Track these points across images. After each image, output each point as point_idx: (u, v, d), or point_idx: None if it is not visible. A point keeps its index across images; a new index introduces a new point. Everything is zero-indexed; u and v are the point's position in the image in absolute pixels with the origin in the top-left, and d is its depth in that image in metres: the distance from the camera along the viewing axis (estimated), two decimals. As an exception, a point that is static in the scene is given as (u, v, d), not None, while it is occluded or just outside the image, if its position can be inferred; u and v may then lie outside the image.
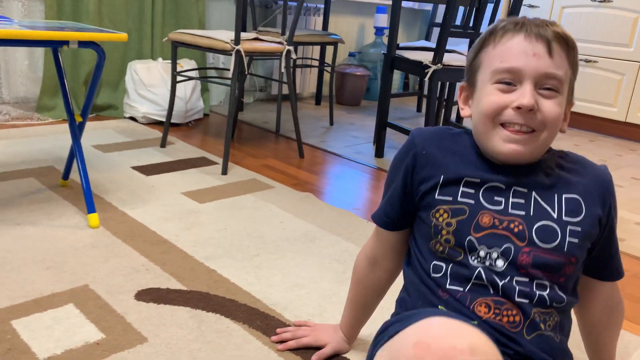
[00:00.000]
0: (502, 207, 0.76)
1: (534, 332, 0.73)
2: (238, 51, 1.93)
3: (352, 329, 1.03)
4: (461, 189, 0.78)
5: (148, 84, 2.54)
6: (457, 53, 2.67)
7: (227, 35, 2.00)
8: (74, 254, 1.32)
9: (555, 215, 0.76)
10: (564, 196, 0.78)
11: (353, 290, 1.00)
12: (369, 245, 0.95)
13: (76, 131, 1.52)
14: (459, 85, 0.85)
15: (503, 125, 0.76)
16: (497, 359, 0.57)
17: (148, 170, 1.94)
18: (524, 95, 0.73)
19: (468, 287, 0.75)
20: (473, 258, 0.76)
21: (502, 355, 0.63)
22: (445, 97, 2.85)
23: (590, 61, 3.23)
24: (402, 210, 0.85)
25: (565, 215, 0.76)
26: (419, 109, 3.54)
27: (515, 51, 0.74)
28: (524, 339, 0.72)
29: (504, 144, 0.76)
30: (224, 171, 1.97)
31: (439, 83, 3.16)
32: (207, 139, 2.44)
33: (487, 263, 0.75)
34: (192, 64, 2.67)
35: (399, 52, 2.40)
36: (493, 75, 0.76)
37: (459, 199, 0.77)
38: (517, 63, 0.74)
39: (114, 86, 2.66)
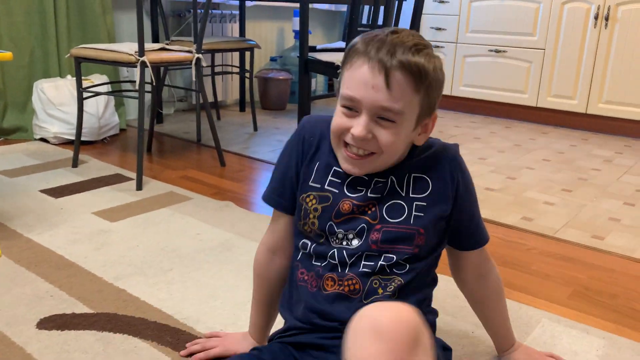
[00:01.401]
0: (362, 193, 0.85)
1: (371, 297, 0.83)
2: (143, 62, 1.89)
3: (262, 331, 1.03)
4: (329, 178, 0.87)
5: (57, 103, 2.44)
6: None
7: (132, 47, 1.95)
8: (-29, 287, 1.24)
9: (403, 194, 0.85)
10: (412, 175, 0.86)
11: (256, 290, 1.01)
12: (266, 237, 0.99)
13: (-32, 158, 1.44)
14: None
15: (346, 144, 0.83)
16: None
17: (57, 192, 1.86)
18: (357, 125, 0.79)
19: (324, 263, 0.86)
20: (333, 239, 0.86)
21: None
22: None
23: (500, 51, 3.37)
24: (294, 193, 0.91)
25: (412, 193, 0.85)
26: (343, 109, 3.58)
27: (358, 81, 0.78)
28: (361, 304, 0.81)
29: (343, 163, 0.85)
30: (139, 186, 1.91)
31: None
32: (123, 155, 2.37)
33: (344, 243, 0.85)
34: (103, 78, 2.59)
35: (313, 54, 2.42)
36: (341, 98, 0.81)
37: (326, 187, 0.87)
38: (356, 93, 0.78)
39: (21, 107, 2.54)
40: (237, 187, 2.03)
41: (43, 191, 1.86)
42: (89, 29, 2.65)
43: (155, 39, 2.87)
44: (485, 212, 1.85)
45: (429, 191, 0.86)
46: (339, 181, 0.86)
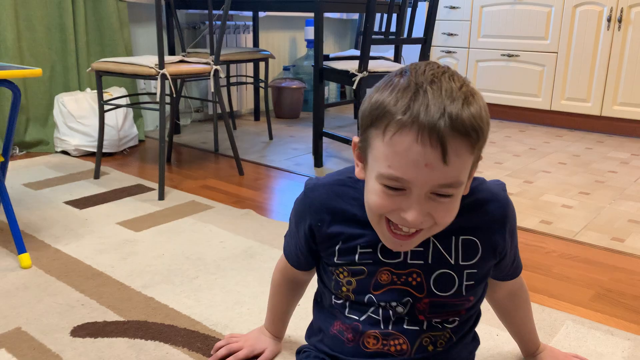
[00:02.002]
0: (401, 258, 0.77)
1: (422, 354, 0.78)
2: (163, 75, 1.93)
3: (279, 330, 1.07)
4: (358, 251, 0.78)
5: (77, 116, 2.49)
6: (385, 59, 2.75)
7: (151, 60, 1.99)
8: (5, 296, 1.28)
9: (452, 261, 0.77)
10: (460, 239, 0.77)
11: (273, 300, 1.03)
12: (282, 266, 0.97)
13: (-2, 171, 1.48)
14: (353, 139, 0.75)
15: (388, 219, 0.71)
16: None
17: (81, 203, 1.90)
18: (411, 211, 0.66)
19: (362, 318, 0.79)
20: (373, 309, 0.79)
21: None
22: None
23: (512, 55, 3.38)
24: (313, 260, 0.88)
25: (462, 260, 0.77)
26: (356, 116, 3.61)
27: (405, 161, 0.63)
28: None
29: (388, 242, 0.73)
30: (161, 196, 1.95)
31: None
32: (143, 166, 2.41)
33: (388, 309, 0.79)
34: (122, 91, 2.64)
35: (327, 62, 2.45)
36: (379, 176, 0.67)
37: (357, 261, 0.78)
38: (405, 175, 0.64)
39: (42, 121, 2.59)
40: (256, 195, 2.06)
41: (67, 202, 1.91)
42: (107, 43, 2.71)
43: (172, 51, 2.92)
44: (503, 216, 1.86)
45: (479, 256, 0.77)
46: (370, 250, 0.77)
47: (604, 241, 1.67)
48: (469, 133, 0.63)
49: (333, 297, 0.83)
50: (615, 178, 2.34)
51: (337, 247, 0.79)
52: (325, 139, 2.74)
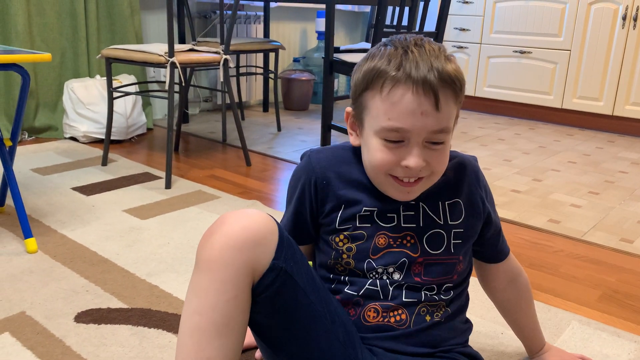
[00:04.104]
0: (394, 223, 0.81)
1: (420, 325, 0.81)
2: (173, 63, 1.92)
3: None
4: (358, 215, 0.81)
5: (87, 103, 2.49)
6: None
7: (161, 48, 1.99)
8: (11, 280, 1.28)
9: (441, 222, 0.83)
10: (446, 203, 0.84)
11: None
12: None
13: (6, 156, 1.48)
14: (346, 109, 0.83)
15: (392, 175, 0.77)
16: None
17: (88, 190, 1.90)
18: (412, 157, 0.74)
19: (362, 292, 0.81)
20: (371, 274, 0.81)
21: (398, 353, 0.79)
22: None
23: (524, 52, 3.35)
24: (310, 230, 0.87)
25: (450, 220, 0.83)
26: (365, 109, 3.58)
27: (403, 111, 0.72)
28: (409, 338, 0.80)
29: (395, 193, 0.79)
30: (168, 185, 1.95)
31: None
32: (150, 154, 2.41)
33: (384, 277, 0.81)
34: (131, 79, 2.64)
35: (338, 55, 2.43)
36: (380, 131, 0.75)
37: (358, 225, 0.81)
38: (404, 124, 0.72)
39: (51, 107, 2.60)
40: (263, 187, 2.05)
41: (75, 189, 1.91)
42: (118, 30, 2.71)
43: (182, 40, 2.91)
44: (511, 214, 1.85)
45: (463, 216, 0.84)
46: (368, 214, 0.81)
47: (612, 242, 1.65)
48: (455, 83, 0.73)
49: (331, 275, 0.84)
50: (626, 178, 2.31)
51: (339, 212, 0.82)
52: (333, 132, 2.73)
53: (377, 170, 0.78)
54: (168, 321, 1.14)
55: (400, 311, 0.80)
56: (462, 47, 3.58)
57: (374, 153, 0.76)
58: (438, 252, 0.82)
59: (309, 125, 3.11)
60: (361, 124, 0.79)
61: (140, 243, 1.51)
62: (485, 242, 0.91)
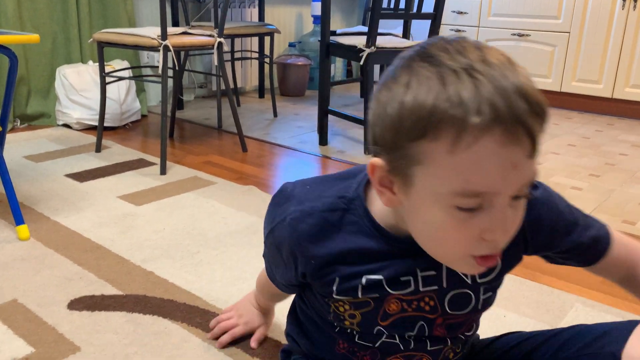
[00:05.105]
0: (412, 288, 0.65)
1: None
2: (166, 46, 1.88)
3: (269, 306, 1.05)
4: (361, 287, 0.65)
5: (79, 89, 2.45)
6: (393, 35, 2.69)
7: (154, 31, 1.94)
8: (2, 268, 1.25)
9: (469, 281, 0.67)
10: None
11: (264, 288, 0.98)
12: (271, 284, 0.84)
13: (-4, 141, 1.45)
14: (370, 162, 0.58)
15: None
16: None
17: (82, 176, 1.87)
18: (501, 225, 0.53)
19: (378, 343, 0.70)
20: (386, 335, 0.69)
21: None
22: (385, 80, 2.85)
23: (523, 35, 3.31)
24: (300, 282, 0.73)
25: (479, 277, 0.67)
26: (362, 95, 3.55)
27: (490, 167, 0.49)
28: None
29: (470, 270, 0.59)
30: (163, 171, 1.92)
31: (379, 66, 3.18)
32: (145, 140, 2.37)
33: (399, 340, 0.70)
34: (124, 64, 2.59)
35: (334, 38, 2.39)
36: (450, 196, 0.52)
37: (360, 295, 0.65)
38: (492, 185, 0.50)
39: (44, 93, 2.55)
40: (259, 172, 2.02)
41: (68, 176, 1.88)
42: (110, 14, 2.65)
43: (176, 24, 2.86)
44: (511, 196, 1.82)
45: (497, 269, 0.67)
46: (373, 283, 0.64)
47: (614, 224, 1.63)
48: (545, 111, 0.50)
49: (331, 327, 0.72)
50: (626, 161, 2.29)
51: (334, 286, 0.66)
52: (330, 118, 2.70)
53: (451, 251, 0.57)
54: (164, 307, 1.12)
55: (425, 358, 0.71)
56: (459, 31, 3.54)
57: (442, 228, 0.54)
58: (462, 312, 0.68)
59: (306, 111, 3.07)
60: (407, 181, 0.55)
61: (135, 229, 1.48)
62: (566, 251, 0.71)
